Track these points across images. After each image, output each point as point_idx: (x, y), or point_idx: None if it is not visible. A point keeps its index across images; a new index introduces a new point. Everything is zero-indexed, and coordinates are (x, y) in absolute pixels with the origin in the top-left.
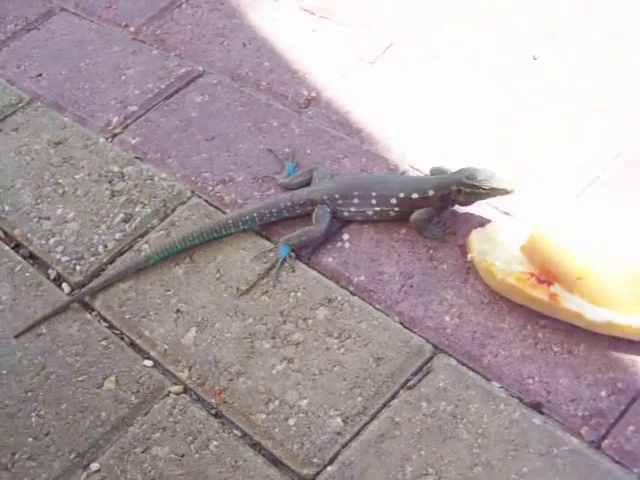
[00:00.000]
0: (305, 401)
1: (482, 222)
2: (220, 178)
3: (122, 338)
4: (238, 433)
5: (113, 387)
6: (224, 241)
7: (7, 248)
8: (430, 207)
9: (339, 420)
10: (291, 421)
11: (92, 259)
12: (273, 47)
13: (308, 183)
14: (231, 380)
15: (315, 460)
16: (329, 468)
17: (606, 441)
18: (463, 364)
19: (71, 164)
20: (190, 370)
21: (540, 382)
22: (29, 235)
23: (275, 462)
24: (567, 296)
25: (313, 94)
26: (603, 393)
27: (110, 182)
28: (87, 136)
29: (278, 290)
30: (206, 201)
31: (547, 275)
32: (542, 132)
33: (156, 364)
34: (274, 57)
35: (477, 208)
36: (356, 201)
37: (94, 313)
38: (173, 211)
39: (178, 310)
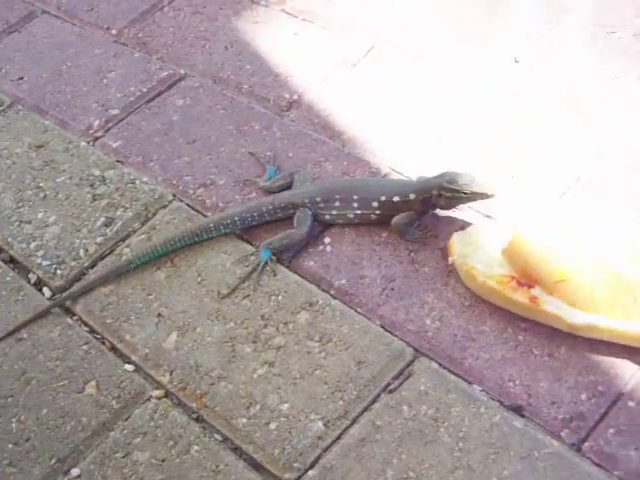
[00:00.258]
0: (286, 405)
1: (463, 225)
2: (201, 182)
3: (103, 343)
4: (219, 437)
5: (94, 392)
6: (205, 245)
7: None
8: (411, 211)
9: (320, 424)
10: (272, 425)
11: (73, 263)
12: (255, 50)
13: (289, 186)
14: (212, 384)
15: (296, 464)
16: (310, 472)
17: (586, 444)
18: (444, 367)
19: (52, 168)
20: (171, 374)
21: (521, 385)
22: (9, 239)
23: (256, 466)
24: (547, 299)
25: (295, 97)
26: (583, 396)
27: (91, 186)
28: (68, 139)
29: (259, 294)
30: (187, 205)
31: (528, 278)
32: (523, 134)
33: (137, 368)
34: (256, 60)
35: (458, 211)
36: (337, 204)
37: (75, 318)
38: (154, 215)
39: (159, 314)
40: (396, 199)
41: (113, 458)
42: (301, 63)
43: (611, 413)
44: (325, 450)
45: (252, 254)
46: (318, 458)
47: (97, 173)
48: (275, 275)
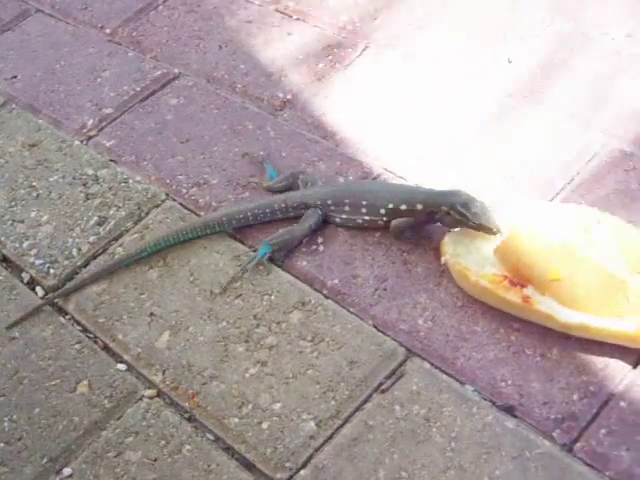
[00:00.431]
0: (278, 405)
1: None
2: (195, 181)
3: (95, 342)
4: (211, 437)
5: (86, 391)
6: (198, 244)
7: None
8: (414, 218)
9: (312, 424)
10: (264, 425)
11: (66, 262)
12: (249, 50)
13: (291, 187)
14: (204, 384)
15: (288, 464)
16: (302, 472)
17: (578, 444)
18: (436, 367)
19: (45, 167)
20: (164, 374)
21: (513, 385)
22: (2, 238)
23: (248, 466)
24: (540, 298)
25: (288, 97)
26: (575, 396)
27: (84, 185)
28: (62, 138)
29: (252, 293)
30: (181, 204)
31: (520, 277)
32: (516, 134)
33: (129, 368)
34: (250, 59)
35: None
36: (347, 209)
37: (68, 317)
38: (147, 214)
39: (152, 313)
40: (403, 207)
41: (105, 457)
42: (295, 63)
43: (603, 413)
44: (317, 450)
45: (254, 251)
46: (310, 458)
47: (90, 172)
48: (268, 274)
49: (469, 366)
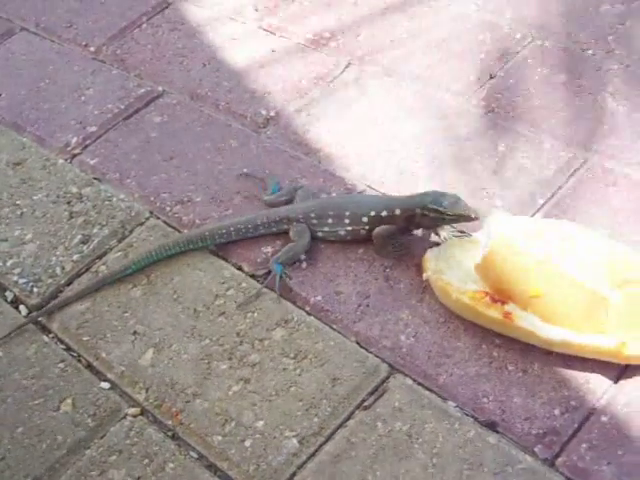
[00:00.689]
0: (261, 422)
1: (438, 241)
2: (179, 199)
3: (79, 360)
4: (194, 455)
5: (70, 410)
6: (181, 261)
7: None
8: (395, 225)
9: (295, 441)
10: (247, 442)
11: (50, 281)
12: (233, 67)
13: (291, 202)
14: (188, 402)
15: None
16: None
17: (560, 459)
18: (419, 384)
19: (30, 185)
20: (147, 392)
21: (495, 401)
22: None
23: None
24: (521, 315)
25: (272, 114)
26: (557, 411)
27: (68, 203)
28: (46, 157)
29: (235, 311)
30: (164, 222)
31: (501, 294)
32: (497, 151)
33: (113, 386)
34: (233, 77)
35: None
36: (330, 221)
37: (51, 335)
38: (131, 232)
39: (135, 332)
40: (384, 214)
41: (89, 476)
42: (278, 80)
43: (584, 428)
44: (300, 467)
45: (260, 276)
46: (293, 475)
47: (74, 190)
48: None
49: (451, 382)
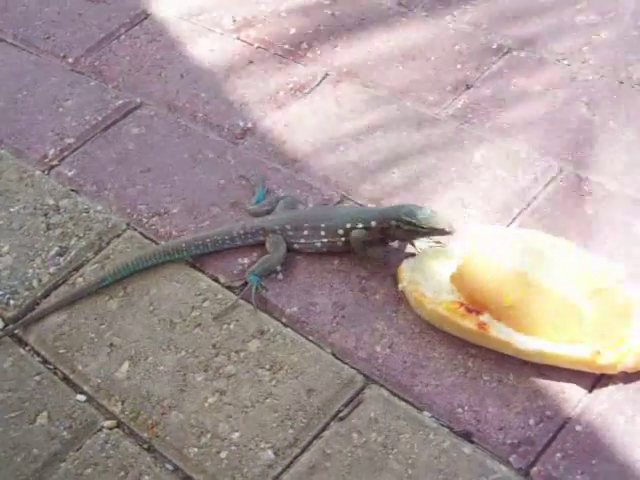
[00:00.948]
0: (237, 434)
1: (413, 252)
2: (155, 210)
3: (55, 373)
4: (170, 467)
5: (46, 422)
6: (158, 273)
7: None
8: (372, 237)
9: (270, 452)
10: (223, 454)
11: (26, 293)
12: (210, 78)
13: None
14: (163, 414)
15: None
16: None
17: (534, 468)
18: (394, 394)
19: (6, 197)
20: (123, 404)
21: (470, 411)
22: None
23: None
24: (496, 325)
25: (249, 125)
26: (532, 421)
27: (45, 215)
28: (23, 168)
29: (211, 322)
30: (141, 233)
31: (476, 304)
32: (473, 161)
33: (89, 399)
34: (211, 88)
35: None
36: (306, 232)
37: (27, 348)
38: (108, 244)
39: (111, 344)
40: (360, 226)
41: None
42: (255, 91)
43: (559, 437)
44: (275, 478)
45: (236, 287)
46: None
47: (51, 202)
48: (235, 308)
49: (427, 392)
